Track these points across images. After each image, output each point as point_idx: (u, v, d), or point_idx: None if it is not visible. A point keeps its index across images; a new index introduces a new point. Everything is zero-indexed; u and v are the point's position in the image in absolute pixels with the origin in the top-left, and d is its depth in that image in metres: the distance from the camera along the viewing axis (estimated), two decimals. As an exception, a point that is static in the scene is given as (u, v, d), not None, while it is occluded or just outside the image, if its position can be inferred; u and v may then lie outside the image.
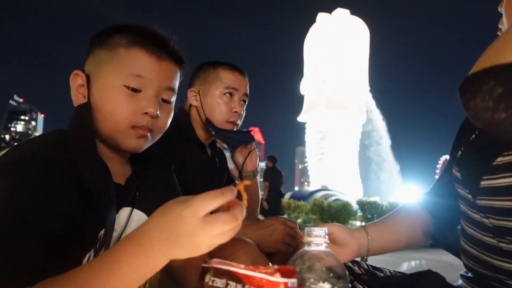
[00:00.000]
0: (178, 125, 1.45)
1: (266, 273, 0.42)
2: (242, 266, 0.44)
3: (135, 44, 0.78)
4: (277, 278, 0.41)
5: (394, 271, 0.95)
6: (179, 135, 1.43)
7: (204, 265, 0.48)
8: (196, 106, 1.48)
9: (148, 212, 0.89)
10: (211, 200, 0.53)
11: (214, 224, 0.52)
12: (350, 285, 0.55)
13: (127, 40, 0.78)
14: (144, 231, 0.57)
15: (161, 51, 0.79)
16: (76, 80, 0.79)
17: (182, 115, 1.50)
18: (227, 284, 0.44)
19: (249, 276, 0.42)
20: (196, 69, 1.53)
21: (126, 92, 0.76)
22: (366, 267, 0.95)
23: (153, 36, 0.80)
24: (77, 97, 0.79)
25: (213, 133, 1.45)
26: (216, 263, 0.47)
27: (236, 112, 1.44)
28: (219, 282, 0.45)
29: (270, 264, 1.01)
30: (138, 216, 0.88)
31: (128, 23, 0.82)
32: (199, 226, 0.52)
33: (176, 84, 0.84)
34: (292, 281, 0.43)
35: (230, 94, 1.44)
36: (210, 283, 0.46)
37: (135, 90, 0.77)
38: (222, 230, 0.53)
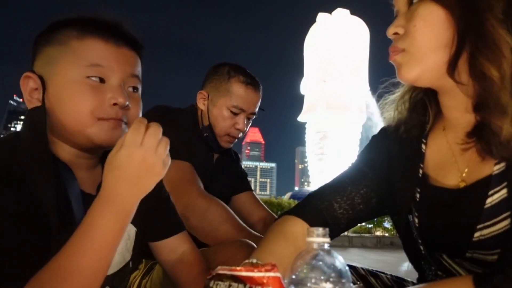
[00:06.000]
0: (189, 118, 1.45)
1: (265, 270, 0.45)
2: (243, 268, 0.46)
3: (88, 33, 0.73)
4: (276, 273, 0.44)
5: (391, 275, 0.94)
6: (189, 127, 1.43)
7: (208, 277, 0.51)
8: (201, 110, 1.48)
9: (134, 220, 0.82)
10: (134, 131, 0.64)
11: (146, 136, 0.64)
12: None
13: (78, 31, 0.73)
14: (107, 189, 0.64)
15: (117, 37, 0.75)
16: (28, 84, 0.73)
17: (192, 111, 1.49)
18: (230, 285, 0.46)
19: (250, 277, 0.45)
20: (211, 70, 1.50)
21: (89, 84, 0.71)
22: (363, 272, 0.94)
23: (105, 23, 0.75)
24: (31, 103, 0.73)
25: (206, 134, 1.44)
26: (219, 270, 0.49)
27: (238, 129, 1.44)
28: (222, 285, 0.47)
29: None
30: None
31: (73, 15, 0.76)
32: (139, 150, 0.64)
33: (139, 71, 0.80)
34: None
35: (236, 113, 1.43)
36: (215, 287, 0.48)
37: (98, 81, 0.72)
38: (153, 135, 0.65)
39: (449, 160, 0.77)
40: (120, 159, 0.65)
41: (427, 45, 0.72)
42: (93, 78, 0.72)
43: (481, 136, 0.70)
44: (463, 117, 0.75)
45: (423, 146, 0.82)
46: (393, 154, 0.85)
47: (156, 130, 0.67)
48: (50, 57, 0.73)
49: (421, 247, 0.76)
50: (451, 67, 0.71)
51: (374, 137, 0.94)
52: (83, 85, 0.71)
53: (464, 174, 0.74)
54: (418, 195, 0.78)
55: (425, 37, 0.71)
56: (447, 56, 0.71)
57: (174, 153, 0.95)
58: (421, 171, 0.79)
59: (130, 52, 0.78)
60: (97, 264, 0.62)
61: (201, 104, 1.47)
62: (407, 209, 0.78)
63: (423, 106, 0.83)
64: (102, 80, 0.73)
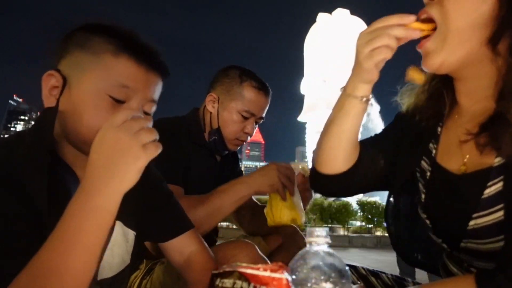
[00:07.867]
0: (188, 126, 1.45)
1: (271, 270, 0.44)
2: (249, 266, 0.46)
3: (124, 52, 0.73)
4: (281, 274, 0.44)
5: (392, 274, 0.94)
6: (188, 137, 1.42)
7: (214, 271, 0.51)
8: (211, 112, 1.46)
9: (124, 219, 0.83)
10: (118, 113, 0.61)
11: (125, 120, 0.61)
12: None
13: (114, 46, 0.72)
14: (83, 184, 0.60)
15: (150, 63, 0.75)
16: (50, 81, 0.73)
17: (194, 117, 1.49)
18: (234, 283, 0.46)
19: (255, 276, 0.44)
20: (221, 72, 1.49)
21: (110, 102, 0.71)
22: (363, 272, 0.94)
23: (143, 46, 0.75)
24: (49, 99, 0.72)
25: (214, 137, 1.43)
26: (226, 267, 0.49)
27: (246, 133, 1.44)
28: (228, 282, 0.47)
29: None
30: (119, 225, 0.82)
31: (109, 24, 0.76)
32: (114, 130, 0.59)
33: (158, 95, 0.80)
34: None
35: (246, 117, 1.42)
36: (221, 285, 0.48)
37: (119, 102, 0.72)
38: (128, 120, 0.61)
39: (455, 144, 0.78)
40: (94, 142, 0.61)
41: (463, 21, 0.67)
42: (115, 98, 0.71)
43: (491, 128, 0.69)
44: (475, 105, 0.75)
45: (439, 129, 0.83)
46: (407, 131, 0.88)
47: (146, 119, 0.63)
48: (80, 62, 0.73)
49: (427, 221, 0.79)
50: (494, 41, 0.67)
51: (396, 116, 0.96)
52: (102, 101, 0.71)
53: (465, 160, 0.75)
54: (428, 174, 0.81)
55: (460, 12, 0.67)
56: (485, 34, 0.67)
57: (169, 177, 0.96)
58: (434, 151, 0.82)
59: (157, 78, 0.78)
60: (80, 266, 0.58)
61: (211, 107, 1.45)
62: (404, 177, 0.82)
63: (440, 95, 0.83)
64: (122, 102, 0.73)
